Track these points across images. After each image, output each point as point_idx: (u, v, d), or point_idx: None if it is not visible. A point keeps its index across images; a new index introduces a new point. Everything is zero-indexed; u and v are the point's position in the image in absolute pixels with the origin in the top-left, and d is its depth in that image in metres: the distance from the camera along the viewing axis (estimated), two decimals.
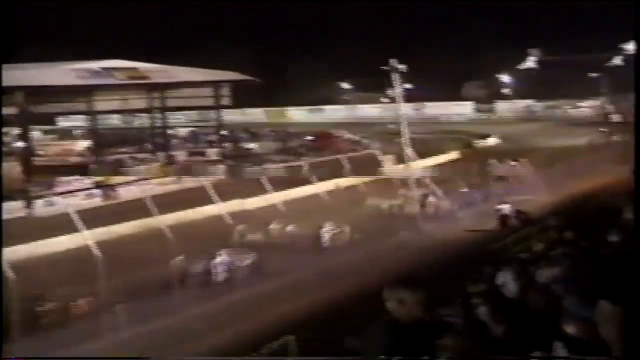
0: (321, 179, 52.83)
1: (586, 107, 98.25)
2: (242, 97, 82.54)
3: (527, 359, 7.05)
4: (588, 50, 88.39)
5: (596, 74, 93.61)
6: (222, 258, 33.83)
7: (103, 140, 72.92)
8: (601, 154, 58.24)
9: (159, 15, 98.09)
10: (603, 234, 12.76)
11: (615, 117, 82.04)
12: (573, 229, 16.93)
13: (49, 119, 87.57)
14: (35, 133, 77.45)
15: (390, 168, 54.99)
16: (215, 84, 74.30)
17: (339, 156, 57.52)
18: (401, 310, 6.30)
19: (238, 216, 44.08)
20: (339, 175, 53.68)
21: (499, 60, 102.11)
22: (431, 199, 46.78)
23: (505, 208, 42.62)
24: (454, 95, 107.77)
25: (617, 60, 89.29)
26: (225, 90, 76.39)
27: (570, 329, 6.33)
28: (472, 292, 11.20)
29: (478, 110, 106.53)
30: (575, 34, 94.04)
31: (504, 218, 41.93)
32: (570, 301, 7.01)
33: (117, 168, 64.56)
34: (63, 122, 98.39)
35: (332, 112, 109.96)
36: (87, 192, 55.93)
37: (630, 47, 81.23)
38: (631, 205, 15.80)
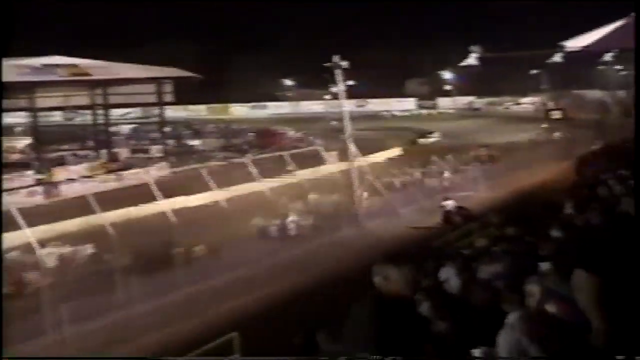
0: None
1: (527, 104, 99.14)
2: (185, 93, 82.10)
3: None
4: (528, 47, 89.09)
5: (537, 71, 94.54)
6: (292, 217, 41.98)
7: (44, 138, 71.96)
8: (542, 150, 58.84)
9: (100, 11, 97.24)
10: (545, 230, 12.94)
11: (556, 114, 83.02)
12: (514, 225, 17.14)
13: None
14: None
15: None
16: (158, 81, 73.76)
17: (282, 153, 57.53)
18: (387, 286, 6.40)
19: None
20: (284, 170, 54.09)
21: (441, 57, 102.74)
22: (446, 174, 52.15)
23: (449, 204, 42.95)
24: (397, 91, 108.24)
25: (557, 57, 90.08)
26: (168, 87, 75.83)
27: (551, 307, 6.40)
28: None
29: (421, 107, 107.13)
30: (516, 30, 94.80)
31: (447, 214, 42.24)
32: (550, 280, 7.09)
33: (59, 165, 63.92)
34: (3, 119, 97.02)
35: (275, 109, 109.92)
36: (29, 189, 55.42)
37: (570, 44, 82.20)
38: (571, 201, 16.06)
